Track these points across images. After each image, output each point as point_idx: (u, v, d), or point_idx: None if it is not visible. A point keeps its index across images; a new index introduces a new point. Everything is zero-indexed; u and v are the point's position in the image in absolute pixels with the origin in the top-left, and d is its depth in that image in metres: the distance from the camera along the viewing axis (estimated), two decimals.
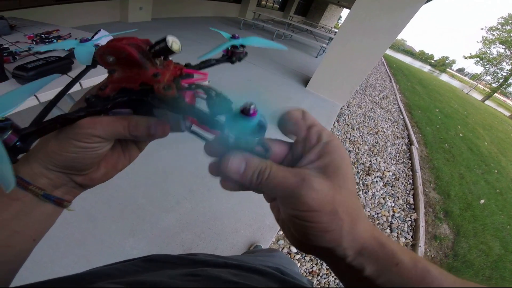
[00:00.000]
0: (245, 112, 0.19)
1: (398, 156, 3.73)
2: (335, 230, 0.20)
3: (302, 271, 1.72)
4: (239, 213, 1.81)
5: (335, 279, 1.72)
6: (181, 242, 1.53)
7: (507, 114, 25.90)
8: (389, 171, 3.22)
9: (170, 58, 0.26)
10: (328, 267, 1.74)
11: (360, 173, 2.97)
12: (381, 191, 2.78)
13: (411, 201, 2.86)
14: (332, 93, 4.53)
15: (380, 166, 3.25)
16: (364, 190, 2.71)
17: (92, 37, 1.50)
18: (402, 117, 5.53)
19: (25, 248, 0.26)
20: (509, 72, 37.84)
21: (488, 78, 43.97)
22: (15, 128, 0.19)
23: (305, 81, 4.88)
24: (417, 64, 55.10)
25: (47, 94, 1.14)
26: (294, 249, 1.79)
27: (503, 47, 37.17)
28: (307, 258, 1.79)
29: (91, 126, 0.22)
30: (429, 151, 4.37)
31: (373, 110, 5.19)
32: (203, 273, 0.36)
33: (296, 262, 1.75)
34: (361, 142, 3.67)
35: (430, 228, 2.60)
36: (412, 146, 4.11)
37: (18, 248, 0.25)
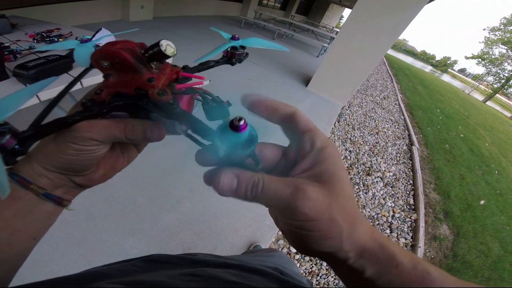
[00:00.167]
0: (234, 127, 0.19)
1: (399, 157, 3.73)
2: (334, 236, 0.20)
3: (302, 271, 1.72)
4: (239, 213, 1.81)
5: (334, 279, 1.72)
6: (181, 242, 1.54)
7: (508, 115, 25.85)
8: (389, 172, 3.21)
9: (167, 61, 0.26)
10: (327, 268, 1.75)
11: (361, 173, 2.97)
12: (381, 192, 2.78)
13: (411, 201, 2.85)
14: (333, 93, 4.52)
15: (380, 167, 3.25)
16: (365, 191, 2.70)
17: (93, 36, 1.50)
18: (403, 118, 5.53)
19: (25, 247, 0.26)
20: (511, 73, 37.74)
21: (490, 78, 43.83)
22: (14, 132, 0.19)
23: (306, 81, 4.88)
24: (418, 64, 54.99)
25: (48, 93, 1.14)
26: (293, 249, 1.79)
27: (505, 47, 37.05)
28: (307, 258, 1.79)
29: (88, 129, 0.23)
30: (430, 152, 4.37)
31: (374, 110, 5.19)
32: (203, 273, 0.37)
33: (296, 262, 1.75)
34: (362, 142, 3.67)
35: (430, 229, 2.59)
36: (413, 147, 4.11)
37: (19, 246, 0.25)
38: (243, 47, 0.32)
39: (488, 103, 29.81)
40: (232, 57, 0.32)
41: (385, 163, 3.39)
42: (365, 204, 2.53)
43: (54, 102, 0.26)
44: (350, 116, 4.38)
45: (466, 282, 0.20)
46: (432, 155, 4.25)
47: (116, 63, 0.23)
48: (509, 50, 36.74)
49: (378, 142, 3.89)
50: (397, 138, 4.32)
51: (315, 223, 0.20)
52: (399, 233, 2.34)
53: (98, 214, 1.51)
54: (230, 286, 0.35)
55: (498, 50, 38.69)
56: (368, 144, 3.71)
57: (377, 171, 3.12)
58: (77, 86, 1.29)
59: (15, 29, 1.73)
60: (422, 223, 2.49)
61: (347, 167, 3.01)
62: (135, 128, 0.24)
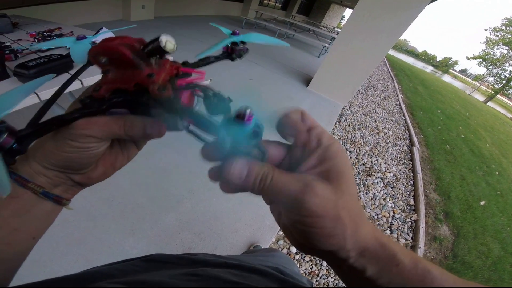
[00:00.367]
0: (241, 117, 0.19)
1: (399, 157, 3.72)
2: (338, 234, 0.20)
3: (302, 272, 1.72)
4: (239, 213, 1.81)
5: (334, 279, 1.72)
6: (181, 242, 1.54)
7: (509, 115, 25.80)
8: (390, 172, 3.21)
9: (167, 57, 0.26)
10: (327, 268, 1.75)
11: (361, 174, 2.96)
12: (382, 192, 2.78)
13: (412, 202, 2.85)
14: (333, 93, 4.52)
15: (381, 167, 3.24)
16: (365, 191, 2.70)
17: (94, 35, 1.50)
18: (403, 118, 5.52)
19: (24, 246, 0.26)
20: None
21: (491, 79, 43.79)
22: (11, 131, 0.19)
23: (307, 81, 4.87)
24: (419, 64, 54.95)
25: (48, 92, 1.14)
26: (293, 249, 1.79)
27: (507, 48, 37.02)
28: (307, 258, 1.79)
29: (87, 126, 0.22)
30: (430, 152, 4.36)
31: (374, 111, 5.18)
32: (203, 273, 0.37)
33: (296, 262, 1.75)
34: (362, 143, 3.66)
35: (430, 230, 2.59)
36: (413, 147, 4.10)
37: (18, 246, 0.25)
38: (243, 43, 0.32)
39: (489, 103, 29.79)
40: (233, 52, 0.31)
41: (385, 163, 3.38)
42: (365, 204, 2.53)
43: (51, 100, 0.25)
44: (351, 117, 4.38)
45: (467, 281, 0.20)
46: (432, 156, 4.25)
47: (115, 59, 0.22)
48: (510, 51, 36.71)
49: (378, 142, 3.88)
50: (397, 139, 4.31)
51: (321, 220, 0.20)
52: (399, 233, 2.34)
53: (98, 214, 1.51)
54: (230, 286, 0.35)
55: (500, 51, 38.72)
56: (369, 144, 3.70)
57: (378, 172, 3.12)
58: (78, 85, 1.29)
59: (16, 28, 1.73)
60: (422, 224, 2.49)
61: None
62: (135, 125, 0.24)
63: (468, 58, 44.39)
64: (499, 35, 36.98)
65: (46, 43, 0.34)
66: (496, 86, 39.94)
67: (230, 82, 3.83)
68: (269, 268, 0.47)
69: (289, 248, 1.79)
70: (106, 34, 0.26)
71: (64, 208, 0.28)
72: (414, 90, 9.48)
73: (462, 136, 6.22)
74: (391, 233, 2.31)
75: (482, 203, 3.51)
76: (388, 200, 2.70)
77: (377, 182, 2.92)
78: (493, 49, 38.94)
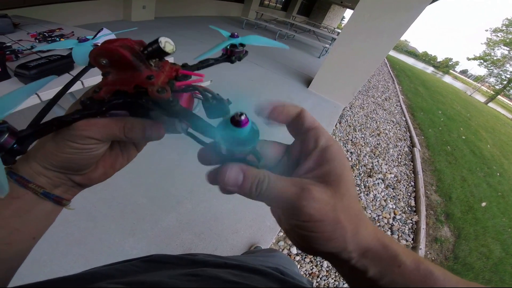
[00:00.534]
0: (235, 123, 0.18)
1: (400, 158, 3.72)
2: (339, 237, 0.20)
3: (302, 273, 1.71)
4: (239, 214, 1.81)
5: (334, 281, 1.72)
6: (181, 243, 1.54)
7: (510, 116, 25.76)
8: (390, 173, 3.21)
9: (166, 59, 0.26)
10: (327, 269, 1.74)
11: (362, 175, 2.96)
12: (383, 193, 2.78)
13: (413, 203, 2.84)
14: (334, 94, 4.52)
15: (381, 168, 3.24)
16: (366, 192, 2.70)
17: (95, 36, 1.50)
18: (404, 119, 5.52)
19: (25, 246, 0.26)
20: None
21: (492, 80, 43.74)
22: (12, 131, 0.19)
23: (307, 82, 4.87)
24: (420, 65, 54.92)
25: (50, 92, 1.14)
26: (294, 250, 1.79)
27: (508, 49, 36.99)
28: (307, 259, 1.79)
29: (87, 128, 0.22)
30: (431, 153, 4.36)
31: (375, 112, 5.18)
32: (203, 273, 0.37)
33: (296, 263, 1.75)
34: (363, 144, 3.66)
35: (431, 231, 2.59)
36: (414, 148, 4.10)
37: (18, 246, 0.25)
38: (242, 45, 0.32)
39: (490, 104, 29.75)
40: (232, 55, 0.31)
41: (386, 164, 3.38)
42: (366, 205, 2.52)
43: (52, 101, 0.26)
44: (352, 117, 4.38)
45: (469, 282, 0.20)
46: (433, 157, 4.24)
47: (115, 60, 0.23)
48: (511, 51, 36.66)
49: (379, 143, 3.88)
50: (398, 140, 4.31)
51: (320, 224, 0.19)
52: (400, 235, 2.33)
53: (99, 214, 1.51)
54: (230, 286, 0.35)
55: (500, 52, 38.67)
56: (370, 145, 3.70)
57: (379, 173, 3.11)
58: (79, 86, 1.30)
59: (17, 28, 1.73)
60: (423, 225, 2.48)
61: None
62: (134, 127, 0.24)
63: (468, 59, 44.37)
64: (500, 36, 36.96)
65: (49, 45, 0.34)
66: (497, 87, 39.91)
67: (230, 83, 3.83)
68: (269, 268, 0.46)
69: (289, 249, 1.79)
70: (107, 35, 0.27)
71: (64, 209, 0.28)
72: (415, 91, 9.48)
73: (463, 137, 6.22)
74: (392, 234, 2.31)
75: (483, 204, 3.51)
76: (389, 201, 2.69)
77: (378, 183, 2.92)
78: (493, 49, 38.91)
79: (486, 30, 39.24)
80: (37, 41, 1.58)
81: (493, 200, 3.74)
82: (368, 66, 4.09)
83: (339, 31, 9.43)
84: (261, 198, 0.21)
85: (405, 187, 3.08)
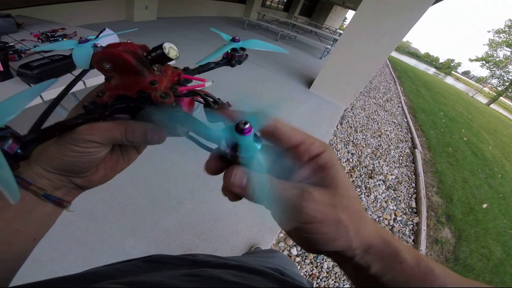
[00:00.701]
0: (239, 131, 0.19)
1: (401, 160, 3.71)
2: (342, 237, 0.20)
3: (302, 274, 1.71)
4: (240, 215, 1.81)
5: (334, 282, 1.71)
6: (181, 243, 1.54)
7: None
8: (392, 175, 3.20)
9: (168, 64, 0.26)
10: (327, 270, 1.74)
11: (363, 176, 2.95)
12: (384, 195, 2.77)
13: (413, 204, 2.84)
14: (335, 95, 4.52)
15: (383, 169, 3.23)
16: (366, 193, 2.69)
17: (97, 36, 1.51)
18: (406, 120, 5.50)
19: (25, 247, 0.26)
20: None
21: (494, 81, 43.60)
22: (15, 136, 0.19)
23: (309, 82, 4.87)
24: (422, 66, 54.81)
25: (51, 92, 1.15)
26: (294, 251, 1.79)
27: (510, 50, 36.84)
28: (307, 260, 1.78)
29: (89, 132, 0.23)
30: (433, 155, 4.35)
31: (376, 113, 5.17)
32: (203, 274, 0.37)
33: (296, 264, 1.74)
34: (364, 145, 3.66)
35: (431, 232, 2.58)
36: (416, 150, 4.08)
37: (19, 247, 0.25)
38: (243, 49, 0.32)
39: (492, 106, 29.64)
40: (232, 58, 0.32)
41: (387, 166, 3.37)
42: (367, 207, 2.52)
43: (53, 104, 0.26)
44: (353, 119, 4.37)
45: (469, 280, 0.20)
46: (435, 158, 4.23)
47: (118, 65, 0.23)
48: None
49: (380, 144, 3.87)
50: (399, 141, 4.30)
51: (321, 225, 0.20)
52: (400, 236, 2.33)
53: (99, 214, 1.52)
54: (230, 286, 0.35)
55: (503, 53, 38.51)
56: (371, 146, 3.69)
57: (380, 174, 3.11)
58: (80, 86, 1.30)
59: (21, 28, 1.74)
60: (424, 226, 2.48)
61: (349, 169, 3.00)
62: (136, 131, 0.25)
63: (471, 60, 44.25)
64: (502, 37, 36.81)
65: (50, 46, 0.34)
66: (499, 88, 39.75)
67: (231, 84, 3.83)
68: (269, 269, 0.47)
69: (289, 250, 1.79)
70: (108, 36, 0.27)
71: (64, 210, 0.28)
72: (416, 92, 9.45)
73: (465, 138, 6.20)
74: None
75: (484, 205, 3.49)
76: (389, 202, 2.69)
77: (379, 184, 2.91)
78: (496, 51, 38.75)
79: (489, 31, 39.11)
80: (39, 41, 1.58)
81: (494, 201, 3.73)
82: (370, 67, 4.08)
83: (341, 32, 9.43)
84: (263, 200, 0.21)
85: (406, 189, 3.07)
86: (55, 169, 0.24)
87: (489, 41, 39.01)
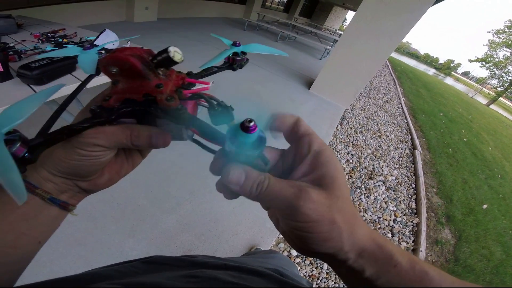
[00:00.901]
0: (244, 129, 0.19)
1: (401, 160, 3.71)
2: (335, 238, 0.21)
3: (302, 275, 1.71)
4: (239, 216, 1.81)
5: (334, 282, 1.71)
6: (181, 244, 1.54)
7: None
8: (391, 175, 3.20)
9: (172, 68, 0.26)
10: (327, 271, 1.74)
11: (363, 177, 2.95)
12: (383, 195, 2.77)
13: (413, 205, 2.84)
14: (335, 96, 4.52)
15: (382, 170, 3.23)
16: (366, 194, 2.69)
17: (97, 37, 1.51)
18: (405, 121, 5.50)
19: (30, 250, 0.26)
20: None
21: (494, 82, 43.58)
22: (23, 140, 0.19)
23: (309, 83, 4.88)
24: (422, 67, 54.86)
25: (55, 93, 1.14)
26: (294, 252, 1.79)
27: (510, 50, 36.83)
28: (307, 261, 1.78)
29: (95, 136, 0.23)
30: (433, 156, 4.35)
31: (376, 114, 5.17)
32: (202, 275, 0.37)
33: (296, 265, 1.74)
34: (364, 146, 3.66)
35: (431, 233, 2.58)
36: (416, 151, 4.09)
37: (24, 250, 0.26)
38: (244, 53, 0.33)
39: (492, 106, 29.64)
40: (234, 62, 0.32)
41: (387, 167, 3.37)
42: (366, 207, 2.52)
43: (60, 109, 0.26)
44: (353, 119, 4.37)
45: (464, 282, 0.20)
46: (434, 159, 4.23)
47: (125, 69, 0.23)
48: None
49: (380, 145, 3.87)
50: (399, 142, 4.30)
51: (316, 224, 0.20)
52: (400, 237, 2.33)
53: (99, 215, 1.52)
54: (229, 287, 0.35)
55: (502, 53, 38.48)
56: (371, 147, 3.70)
57: (379, 175, 3.11)
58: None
59: (21, 29, 1.74)
60: (424, 227, 2.48)
61: (349, 170, 3.00)
62: (141, 135, 0.25)
63: (470, 61, 44.22)
64: (502, 38, 36.78)
65: (54, 52, 0.34)
66: (499, 89, 39.74)
67: (232, 84, 3.83)
68: (268, 269, 0.47)
69: (289, 251, 1.79)
70: (109, 40, 0.27)
71: (69, 213, 0.29)
72: (416, 93, 9.46)
73: (465, 139, 6.20)
74: (392, 236, 2.30)
75: (484, 206, 3.49)
76: (389, 203, 2.69)
77: (379, 185, 2.91)
78: (496, 51, 38.74)
79: (488, 32, 39.12)
80: (40, 41, 1.58)
81: (494, 202, 3.73)
82: (370, 68, 4.09)
83: (341, 32, 9.43)
84: (261, 198, 0.22)
85: (406, 189, 3.07)
86: (61, 172, 0.25)
87: (489, 42, 39.01)
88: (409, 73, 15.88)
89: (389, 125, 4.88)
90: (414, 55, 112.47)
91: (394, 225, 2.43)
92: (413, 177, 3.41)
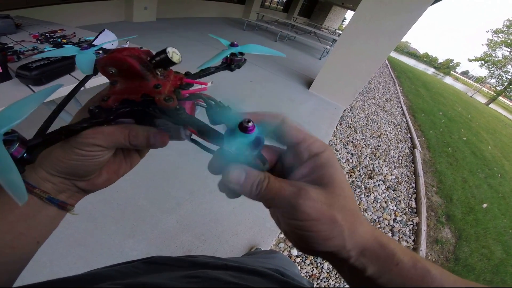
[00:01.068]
0: (243, 129, 0.19)
1: (401, 160, 3.71)
2: (336, 236, 0.20)
3: (303, 274, 1.71)
4: (239, 216, 1.80)
5: (335, 282, 1.71)
6: (181, 244, 1.53)
7: (511, 117, 25.70)
8: (391, 175, 3.20)
9: (170, 68, 0.27)
10: (328, 271, 1.74)
11: (362, 177, 2.96)
12: (383, 195, 2.77)
13: (413, 205, 2.84)
14: (335, 95, 4.52)
15: (382, 170, 3.24)
16: (366, 194, 2.69)
17: (96, 37, 1.50)
18: (405, 120, 5.51)
19: (29, 250, 0.26)
20: None
21: (493, 81, 43.66)
22: (22, 140, 0.19)
23: (308, 83, 4.88)
24: (421, 66, 54.95)
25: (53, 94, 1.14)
26: (294, 252, 1.79)
27: (509, 50, 36.88)
28: (308, 261, 1.78)
29: (93, 136, 0.23)
30: (432, 155, 4.35)
31: (376, 113, 5.18)
32: (203, 275, 0.37)
33: (297, 265, 1.74)
34: (364, 145, 3.66)
35: (431, 232, 2.58)
36: (415, 150, 4.09)
37: (22, 250, 0.26)
38: (241, 53, 0.33)
39: (491, 105, 29.70)
40: (231, 63, 0.33)
41: (387, 166, 3.38)
42: (366, 207, 2.52)
43: (58, 110, 0.26)
44: (352, 119, 4.38)
45: (467, 281, 0.20)
46: (434, 158, 4.23)
47: (123, 70, 0.23)
48: None
49: (380, 145, 3.88)
50: (399, 141, 4.30)
51: (317, 223, 0.20)
52: (400, 236, 2.33)
53: (99, 215, 1.52)
54: (230, 287, 0.35)
55: (501, 53, 38.53)
56: (370, 147, 3.70)
57: (379, 174, 3.11)
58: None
59: (19, 29, 1.74)
60: (424, 227, 2.48)
61: (349, 170, 3.00)
62: (139, 135, 0.25)
63: (469, 60, 44.29)
64: (501, 37, 36.83)
65: (51, 52, 0.34)
66: (498, 88, 39.81)
67: (231, 84, 3.83)
68: (269, 269, 0.47)
69: (290, 250, 1.79)
70: (107, 40, 0.27)
71: (69, 213, 0.29)
72: (415, 92, 9.47)
73: (464, 138, 6.21)
74: (392, 236, 2.30)
75: (484, 205, 3.50)
76: (389, 202, 2.69)
77: (379, 184, 2.91)
78: (494, 51, 38.79)
79: (487, 31, 39.18)
80: (38, 42, 1.58)
81: (494, 201, 3.73)
82: (369, 68, 4.09)
83: (340, 32, 9.44)
84: (261, 197, 0.22)
85: (405, 189, 3.07)
86: (60, 172, 0.25)
87: (488, 41, 39.06)
88: (408, 72, 15.90)
89: (389, 124, 4.88)
90: (413, 55, 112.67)
91: (394, 224, 2.43)
92: (413, 176, 3.42)
